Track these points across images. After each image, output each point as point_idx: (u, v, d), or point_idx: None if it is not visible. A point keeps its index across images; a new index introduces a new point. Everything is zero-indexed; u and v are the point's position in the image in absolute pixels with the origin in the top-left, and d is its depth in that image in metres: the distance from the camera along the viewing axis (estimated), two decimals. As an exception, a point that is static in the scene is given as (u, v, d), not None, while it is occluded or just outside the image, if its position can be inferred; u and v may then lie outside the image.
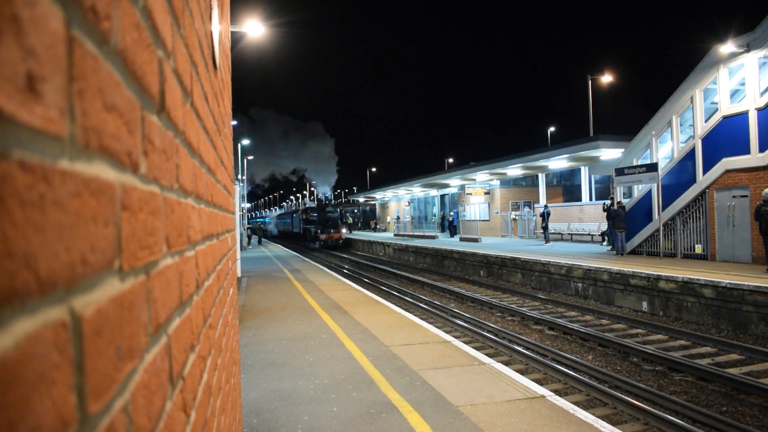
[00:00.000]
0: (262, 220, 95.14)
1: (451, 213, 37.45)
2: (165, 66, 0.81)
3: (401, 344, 7.07)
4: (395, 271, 22.99)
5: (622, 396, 6.69)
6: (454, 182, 37.43)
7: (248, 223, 53.54)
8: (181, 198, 0.94)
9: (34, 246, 0.36)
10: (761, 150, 13.02)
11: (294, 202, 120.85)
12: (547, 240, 23.79)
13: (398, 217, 49.53)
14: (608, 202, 18.00)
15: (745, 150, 13.43)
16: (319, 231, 41.15)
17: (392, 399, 4.93)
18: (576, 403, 6.11)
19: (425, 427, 4.25)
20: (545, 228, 23.74)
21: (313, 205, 55.35)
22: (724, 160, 13.98)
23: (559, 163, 26.25)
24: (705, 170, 14.62)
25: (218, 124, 1.90)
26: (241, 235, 22.99)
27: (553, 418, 4.46)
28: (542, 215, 24.00)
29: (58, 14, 0.40)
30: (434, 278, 19.90)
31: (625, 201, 18.15)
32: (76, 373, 0.41)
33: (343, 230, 43.43)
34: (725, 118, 14.15)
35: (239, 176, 30.48)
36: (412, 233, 37.67)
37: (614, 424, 5.94)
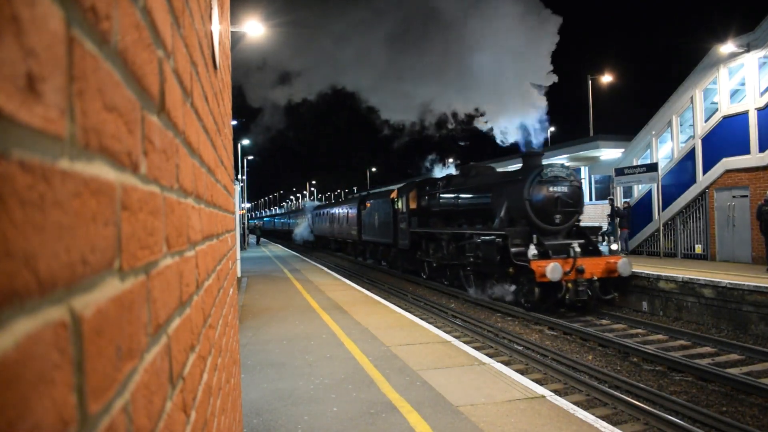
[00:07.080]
0: (285, 220, 63.76)
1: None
2: (165, 66, 0.81)
3: (401, 344, 7.07)
4: (395, 270, 22.96)
5: (622, 396, 6.69)
6: (454, 182, 37.35)
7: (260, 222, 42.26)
8: (181, 198, 0.94)
9: (34, 246, 0.36)
10: (761, 150, 13.02)
11: (295, 202, 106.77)
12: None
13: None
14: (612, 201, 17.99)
15: (745, 150, 13.43)
16: (535, 251, 11.50)
17: (392, 399, 4.93)
18: (576, 403, 6.10)
19: (425, 427, 4.25)
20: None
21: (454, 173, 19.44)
22: (724, 160, 13.98)
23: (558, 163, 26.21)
24: (705, 170, 14.62)
25: (218, 124, 1.90)
26: (242, 235, 22.95)
27: (553, 418, 4.46)
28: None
29: (58, 14, 0.40)
30: (434, 278, 19.87)
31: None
32: (76, 373, 0.41)
33: (615, 246, 12.69)
34: (725, 118, 14.15)
35: (239, 176, 30.39)
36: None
37: (614, 424, 5.93)
